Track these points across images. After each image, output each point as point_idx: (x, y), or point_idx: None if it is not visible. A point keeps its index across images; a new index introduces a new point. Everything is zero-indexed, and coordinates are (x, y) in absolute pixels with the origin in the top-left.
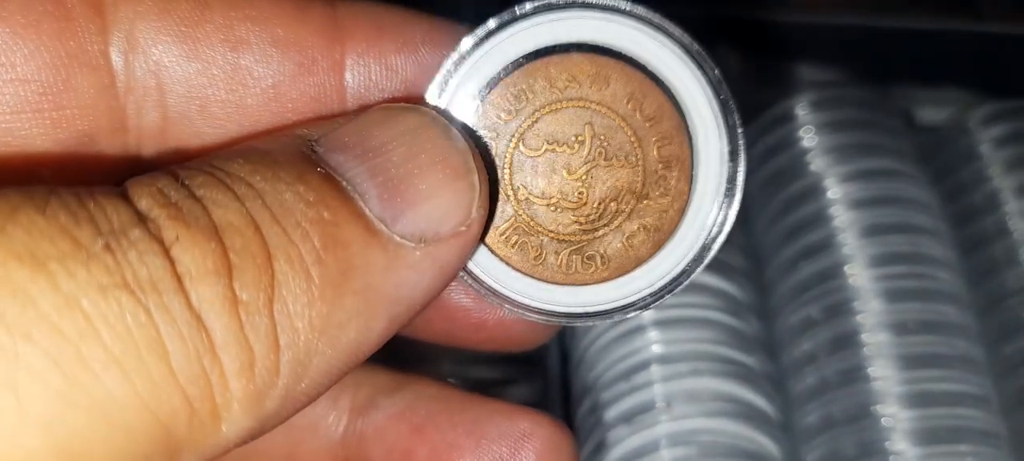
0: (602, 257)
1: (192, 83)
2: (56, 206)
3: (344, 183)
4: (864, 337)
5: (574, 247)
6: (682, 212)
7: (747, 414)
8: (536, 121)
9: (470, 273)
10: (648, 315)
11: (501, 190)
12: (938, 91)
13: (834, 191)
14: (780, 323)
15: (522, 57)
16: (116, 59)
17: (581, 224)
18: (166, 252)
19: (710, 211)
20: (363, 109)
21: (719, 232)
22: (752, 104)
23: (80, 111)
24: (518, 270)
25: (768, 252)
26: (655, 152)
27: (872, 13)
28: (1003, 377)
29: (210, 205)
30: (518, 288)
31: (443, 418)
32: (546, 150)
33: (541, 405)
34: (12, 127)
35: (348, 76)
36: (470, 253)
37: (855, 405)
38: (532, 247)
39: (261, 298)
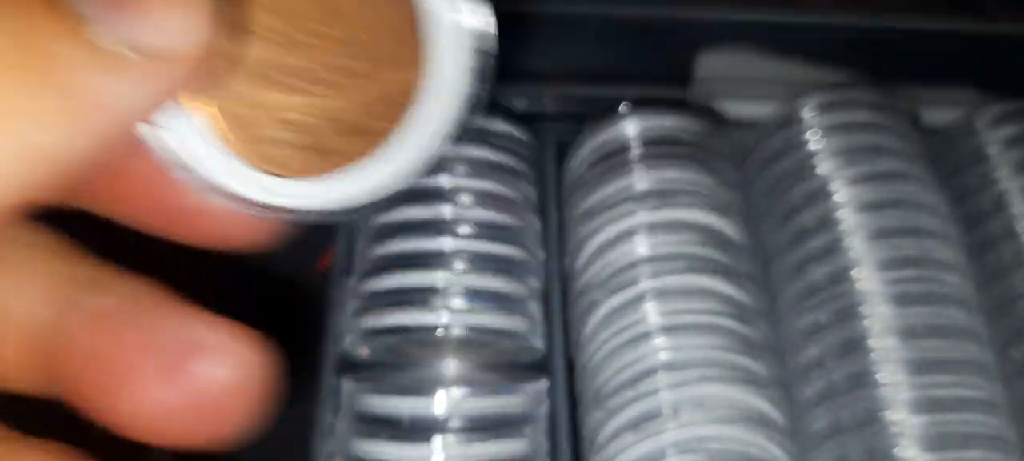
0: (334, 148)
1: None
2: None
3: None
4: (872, 342)
5: (302, 132)
6: (425, 88)
7: (755, 420)
8: None
9: (171, 150)
10: (653, 321)
11: (229, 62)
12: (945, 92)
13: (841, 194)
14: (787, 327)
15: None
16: None
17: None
18: None
19: (452, 79)
20: None
21: (464, 110)
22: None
23: None
24: (234, 152)
25: (774, 256)
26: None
27: (878, 13)
28: (1013, 381)
29: None
30: (230, 172)
31: (145, 323)
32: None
33: (548, 412)
34: None
35: None
36: (188, 82)
37: (863, 410)
38: (256, 127)
39: None
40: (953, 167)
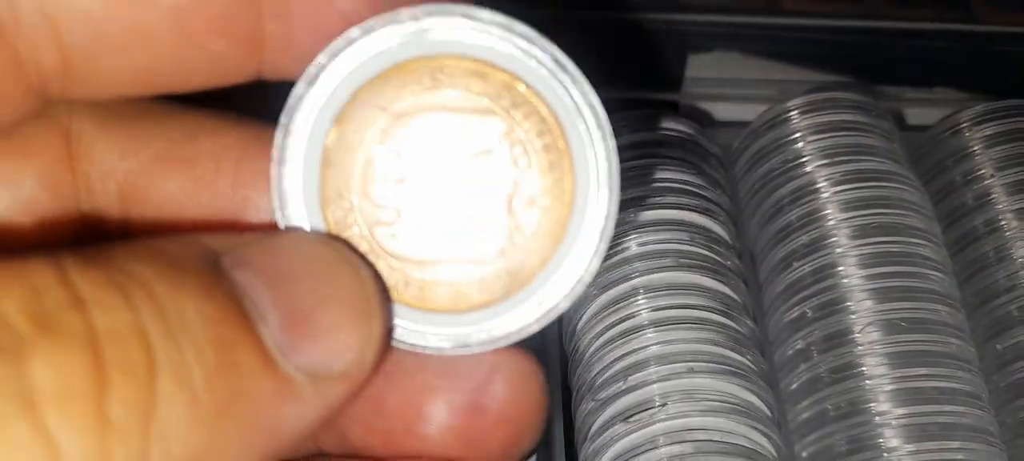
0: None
1: (88, 13)
2: None
3: (247, 304)
4: (857, 335)
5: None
6: (570, 211)
7: (742, 411)
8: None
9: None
10: (644, 316)
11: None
12: (930, 91)
13: (826, 193)
14: (773, 321)
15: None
16: None
17: None
18: (20, 369)
19: (597, 205)
20: (271, 227)
21: (608, 226)
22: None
23: None
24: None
25: (761, 253)
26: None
27: (864, 15)
28: (994, 373)
29: (95, 309)
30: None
31: (413, 362)
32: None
33: None
34: None
35: None
36: (355, 395)
37: (847, 402)
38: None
39: (136, 417)
40: (937, 164)
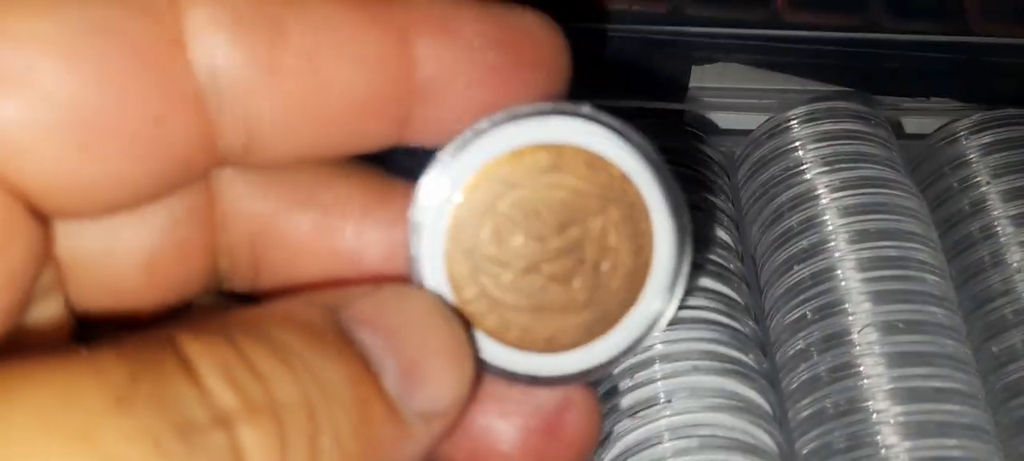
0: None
1: (282, 106)
2: (142, 406)
3: (370, 359)
4: (855, 336)
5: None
6: (646, 277)
7: (744, 408)
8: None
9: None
10: None
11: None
12: (927, 101)
13: (826, 199)
14: (774, 323)
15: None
16: (204, 81)
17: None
18: (233, 437)
19: (668, 275)
20: (381, 276)
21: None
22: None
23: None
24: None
25: (762, 256)
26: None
27: (863, 27)
28: (990, 374)
29: (273, 383)
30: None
31: (499, 392)
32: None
33: None
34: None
35: (420, 73)
36: (454, 427)
37: (846, 400)
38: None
39: None
40: (934, 172)
